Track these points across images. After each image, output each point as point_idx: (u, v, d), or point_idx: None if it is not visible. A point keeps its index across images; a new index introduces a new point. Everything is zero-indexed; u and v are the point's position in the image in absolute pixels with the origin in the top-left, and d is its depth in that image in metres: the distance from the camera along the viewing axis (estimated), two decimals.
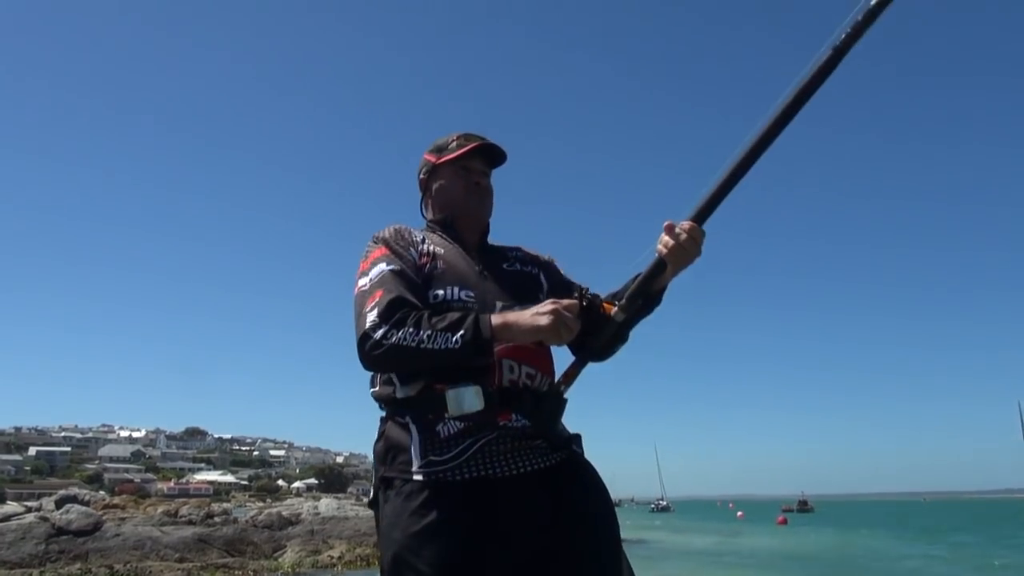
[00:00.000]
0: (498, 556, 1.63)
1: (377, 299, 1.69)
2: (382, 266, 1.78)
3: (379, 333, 1.64)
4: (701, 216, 1.71)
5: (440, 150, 1.98)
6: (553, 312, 1.64)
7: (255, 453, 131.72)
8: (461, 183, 1.95)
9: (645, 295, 1.78)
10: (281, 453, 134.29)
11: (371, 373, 1.85)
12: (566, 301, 1.69)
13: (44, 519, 16.71)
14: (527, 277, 1.96)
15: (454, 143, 1.96)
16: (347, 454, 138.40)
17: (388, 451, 1.74)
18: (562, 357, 1.89)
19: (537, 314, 1.65)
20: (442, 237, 1.93)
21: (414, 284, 1.76)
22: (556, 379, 1.84)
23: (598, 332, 1.79)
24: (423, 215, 2.04)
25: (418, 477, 1.66)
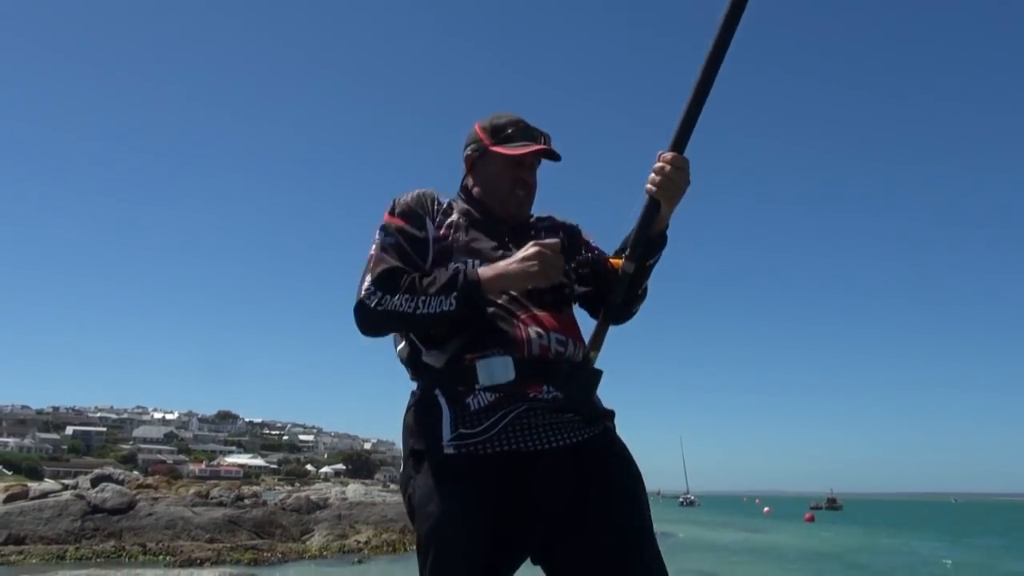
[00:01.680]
0: (530, 530, 1.64)
1: (375, 267, 1.74)
2: (384, 237, 1.81)
3: (373, 301, 1.69)
4: (678, 144, 1.74)
5: (496, 133, 1.89)
6: (537, 255, 1.67)
7: (285, 438, 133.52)
8: (509, 178, 1.88)
9: (647, 240, 1.80)
10: (310, 438, 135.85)
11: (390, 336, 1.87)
12: (548, 240, 1.71)
13: (80, 497, 17.11)
14: None
15: (512, 132, 1.88)
16: (375, 440, 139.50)
17: (418, 424, 1.74)
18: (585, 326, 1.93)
19: (523, 259, 1.69)
20: (471, 209, 1.90)
21: (410, 258, 1.78)
22: (586, 345, 1.83)
23: (613, 289, 1.81)
24: (461, 191, 1.98)
25: (449, 451, 1.66)
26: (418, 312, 1.66)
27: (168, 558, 14.70)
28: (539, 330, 1.73)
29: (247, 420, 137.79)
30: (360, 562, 15.59)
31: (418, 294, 1.67)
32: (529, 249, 1.69)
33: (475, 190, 1.94)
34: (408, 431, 1.77)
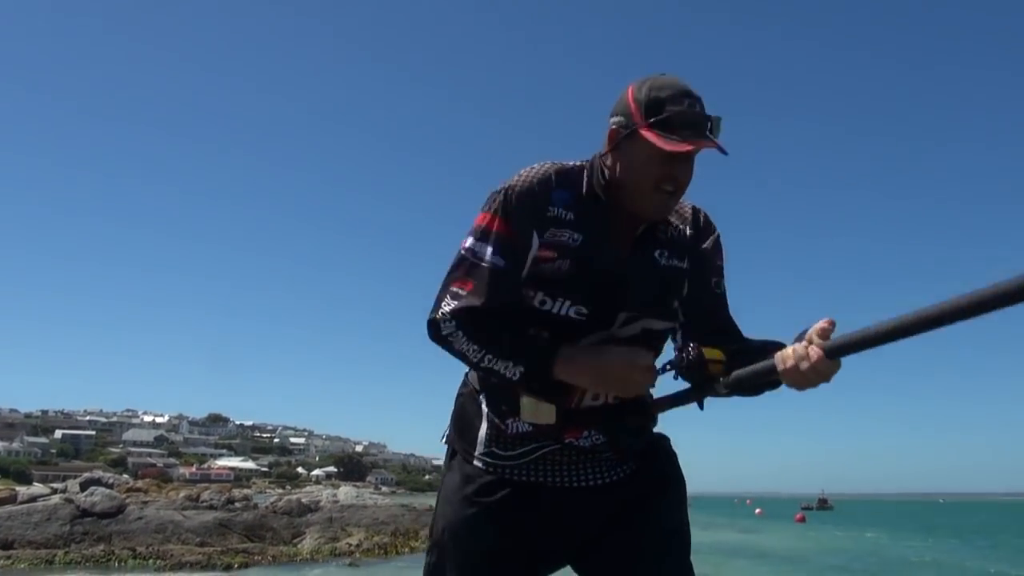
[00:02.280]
0: (545, 556, 1.66)
1: (464, 290, 1.53)
2: (488, 252, 1.53)
3: (447, 330, 1.53)
4: (837, 352, 1.33)
5: (651, 110, 1.47)
6: (625, 378, 1.49)
7: (276, 440, 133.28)
8: (655, 174, 1.49)
9: (755, 388, 1.50)
10: (301, 441, 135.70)
11: None
12: (642, 359, 1.49)
13: (69, 501, 17.01)
14: (671, 275, 1.64)
15: (671, 115, 1.45)
16: (366, 443, 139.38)
17: (459, 423, 1.75)
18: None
19: (609, 369, 1.48)
20: (593, 211, 1.58)
21: (509, 292, 1.54)
22: (650, 400, 1.67)
23: (698, 391, 1.52)
24: (597, 162, 1.60)
25: (477, 464, 1.67)
26: (481, 365, 1.53)
27: (158, 562, 14.64)
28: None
29: (238, 423, 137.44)
30: (352, 565, 15.54)
31: (487, 349, 1.51)
32: (622, 361, 1.49)
33: (612, 174, 1.56)
34: (452, 419, 1.78)
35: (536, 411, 1.58)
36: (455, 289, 1.54)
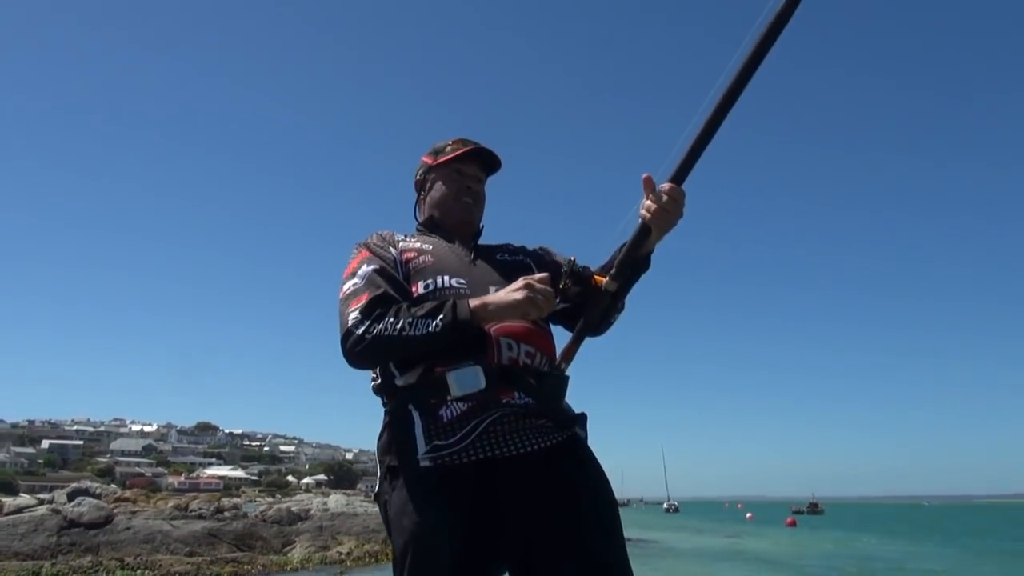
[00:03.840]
0: (509, 536, 1.65)
1: (362, 300, 1.74)
2: (364, 267, 1.83)
3: (361, 329, 1.69)
4: (679, 176, 1.73)
5: (436, 153, 2.05)
6: (526, 287, 1.68)
7: (265, 449, 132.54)
8: (454, 187, 2.01)
9: (634, 262, 1.82)
10: (291, 449, 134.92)
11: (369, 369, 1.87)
12: (538, 275, 1.72)
13: (56, 511, 16.84)
14: (519, 264, 1.99)
15: (450, 147, 2.03)
16: (356, 450, 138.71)
17: (393, 441, 1.75)
18: (560, 338, 1.95)
19: (511, 291, 1.70)
20: (430, 236, 1.99)
21: (396, 281, 1.82)
22: (557, 358, 1.85)
23: (592, 305, 1.82)
24: (416, 217, 2.11)
25: (425, 463, 1.67)
26: (404, 334, 1.66)
27: (146, 572, 14.48)
28: (510, 341, 1.75)
29: (227, 431, 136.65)
30: (342, 574, 15.47)
31: (405, 318, 1.68)
32: (519, 282, 1.71)
33: (426, 210, 2.07)
34: (382, 450, 1.79)
35: (464, 381, 1.67)
36: (353, 307, 1.75)
